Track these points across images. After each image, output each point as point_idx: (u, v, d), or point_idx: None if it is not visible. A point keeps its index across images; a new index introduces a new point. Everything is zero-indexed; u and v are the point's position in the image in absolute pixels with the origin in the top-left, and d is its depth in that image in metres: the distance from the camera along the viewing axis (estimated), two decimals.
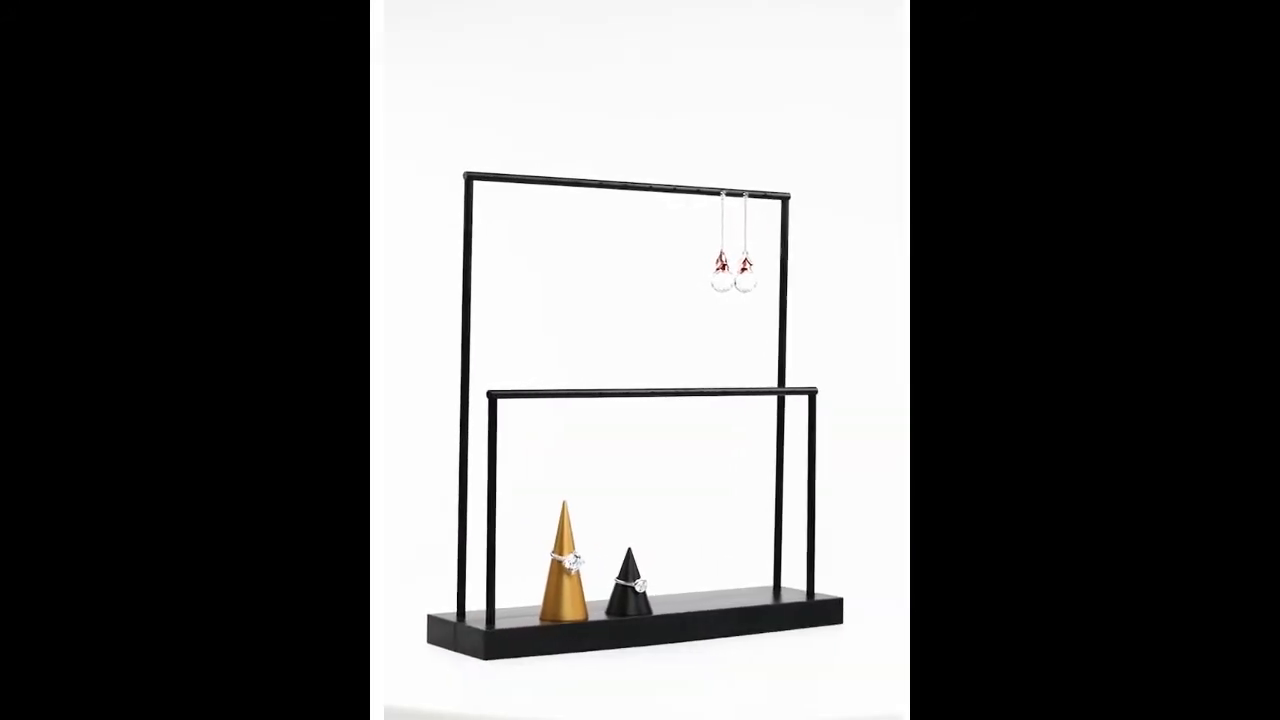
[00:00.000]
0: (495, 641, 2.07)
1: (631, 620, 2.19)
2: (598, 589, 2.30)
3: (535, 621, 2.14)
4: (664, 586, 2.47)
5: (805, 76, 3.32)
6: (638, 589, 2.20)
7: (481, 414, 2.15)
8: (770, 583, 2.51)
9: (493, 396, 2.15)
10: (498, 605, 2.17)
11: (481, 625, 2.09)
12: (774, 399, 2.51)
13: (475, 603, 2.18)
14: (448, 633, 2.14)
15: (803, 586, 2.47)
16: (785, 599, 2.40)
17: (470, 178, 2.21)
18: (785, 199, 2.50)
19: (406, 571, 2.62)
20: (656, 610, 2.24)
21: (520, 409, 2.97)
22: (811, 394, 2.47)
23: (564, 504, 2.21)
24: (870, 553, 2.92)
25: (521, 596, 2.28)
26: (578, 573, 2.16)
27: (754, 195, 2.42)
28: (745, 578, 2.59)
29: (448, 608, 2.20)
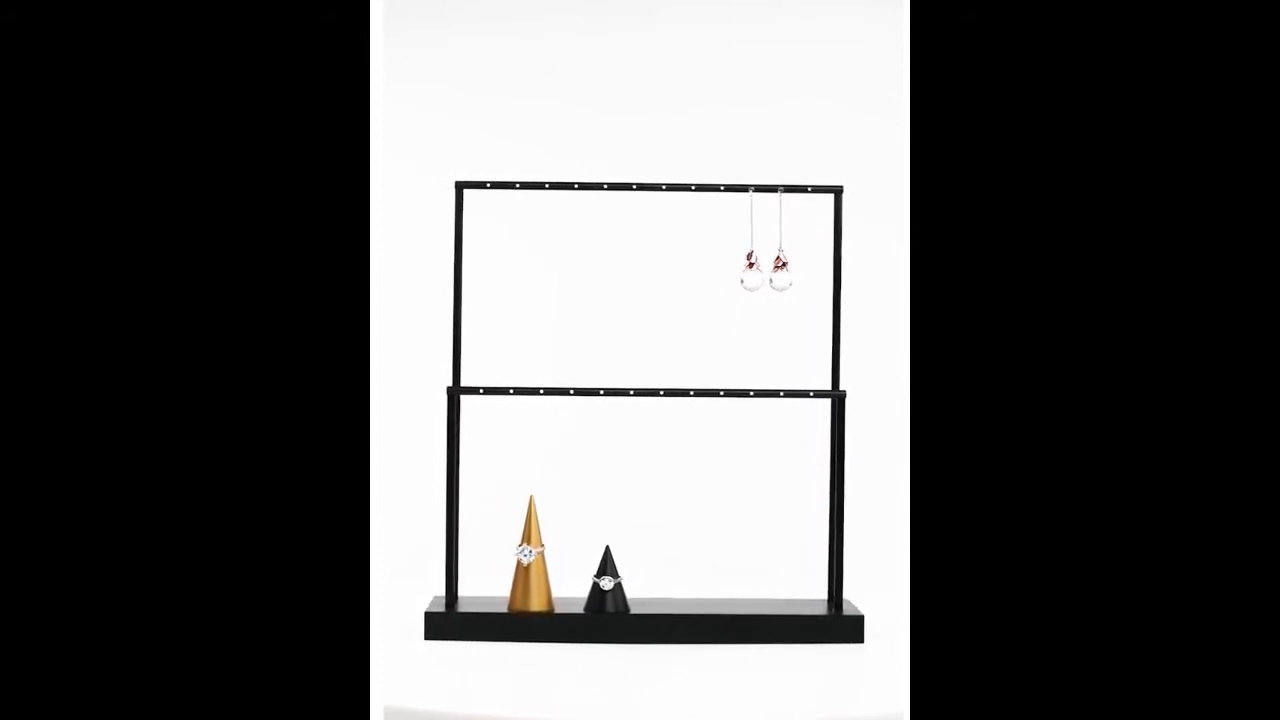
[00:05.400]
0: (433, 624, 2.19)
1: (589, 617, 2.22)
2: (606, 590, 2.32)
3: (496, 610, 2.22)
4: (715, 591, 2.48)
5: (815, 74, 3.31)
6: (603, 586, 2.21)
7: (476, 412, 2.18)
8: (825, 595, 2.46)
9: (453, 394, 2.23)
10: (495, 595, 2.30)
11: (456, 610, 2.21)
12: (810, 401, 2.47)
13: (476, 589, 2.31)
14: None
15: (858, 602, 2.43)
16: (840, 612, 2.34)
17: (461, 186, 2.23)
18: (838, 191, 2.39)
19: (418, 558, 2.64)
20: (648, 610, 2.25)
21: (539, 410, 2.96)
22: (840, 398, 2.39)
23: (530, 498, 2.27)
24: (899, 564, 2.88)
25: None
26: (536, 564, 2.19)
27: (802, 190, 2.35)
28: (809, 589, 2.55)
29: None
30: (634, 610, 2.24)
